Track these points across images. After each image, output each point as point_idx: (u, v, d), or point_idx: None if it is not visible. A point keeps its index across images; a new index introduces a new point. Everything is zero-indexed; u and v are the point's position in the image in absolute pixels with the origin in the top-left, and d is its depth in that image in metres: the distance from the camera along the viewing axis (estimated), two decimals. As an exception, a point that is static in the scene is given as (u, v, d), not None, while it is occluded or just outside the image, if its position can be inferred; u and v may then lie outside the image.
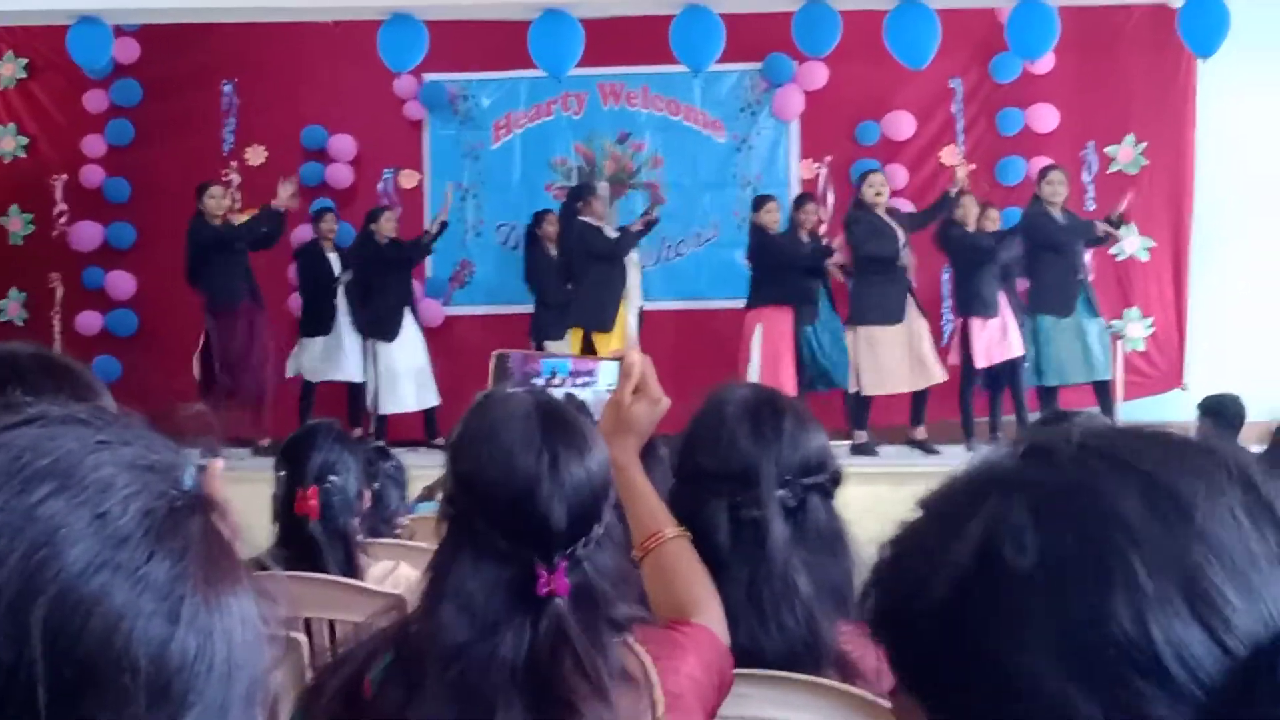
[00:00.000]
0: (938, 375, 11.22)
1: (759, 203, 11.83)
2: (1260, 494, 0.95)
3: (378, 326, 11.94)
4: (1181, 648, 0.89)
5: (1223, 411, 7.62)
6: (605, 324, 11.56)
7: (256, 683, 0.98)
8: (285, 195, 11.66)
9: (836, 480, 2.75)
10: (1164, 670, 0.89)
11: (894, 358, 11.13)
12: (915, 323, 11.23)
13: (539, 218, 12.44)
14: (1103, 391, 11.25)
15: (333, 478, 4.14)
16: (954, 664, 0.97)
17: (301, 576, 3.87)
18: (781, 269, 11.38)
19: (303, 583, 3.85)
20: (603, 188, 12.52)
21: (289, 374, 12.13)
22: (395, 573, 4.25)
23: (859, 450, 10.98)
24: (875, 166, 12.69)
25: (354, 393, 12.15)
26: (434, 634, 2.17)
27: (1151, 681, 0.89)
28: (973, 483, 1.02)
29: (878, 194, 11.17)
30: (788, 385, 10.68)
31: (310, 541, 4.08)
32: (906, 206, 12.36)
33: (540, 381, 2.61)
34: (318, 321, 12.10)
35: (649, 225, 11.93)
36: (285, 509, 4.13)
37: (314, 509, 4.09)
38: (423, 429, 12.00)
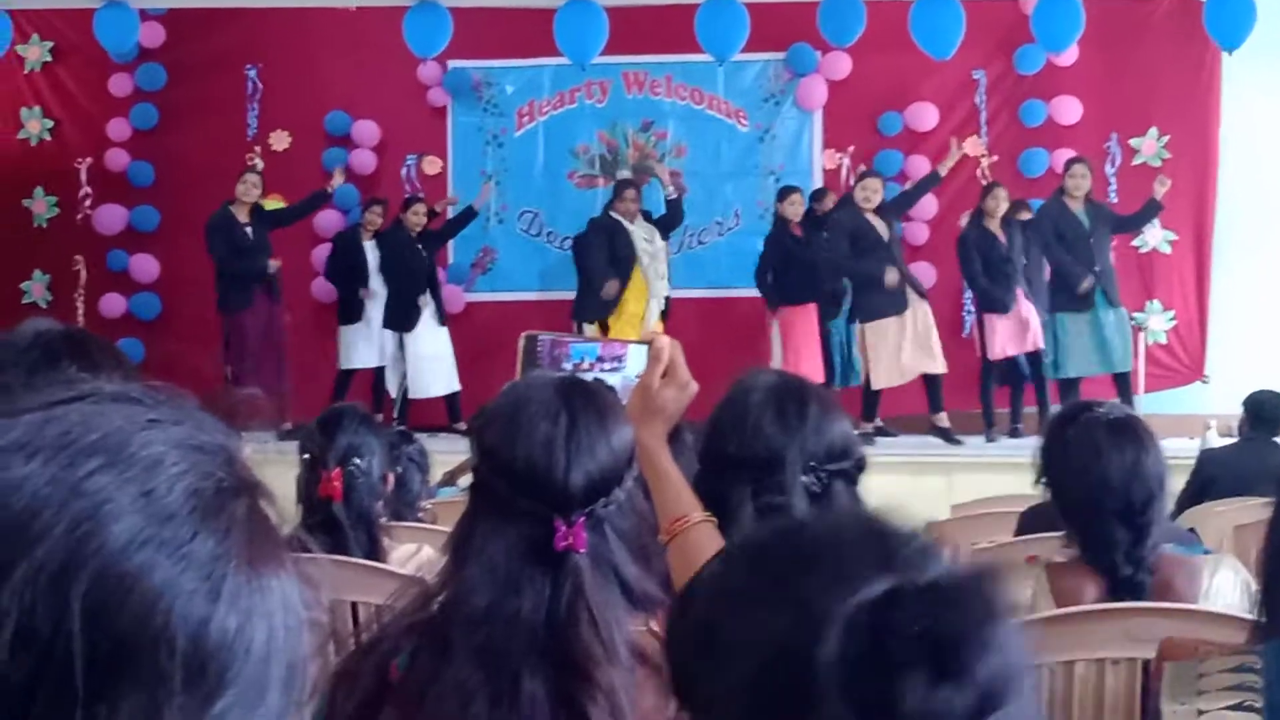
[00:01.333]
0: (939, 364, 11.20)
1: (783, 194, 11.87)
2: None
3: (396, 317, 11.99)
4: None
5: (1258, 409, 7.62)
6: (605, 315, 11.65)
7: (295, 667, 0.98)
8: (339, 180, 12.07)
9: (861, 466, 2.77)
10: None
11: (899, 349, 11.14)
12: (918, 309, 11.23)
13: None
14: (1123, 383, 11.23)
15: (356, 460, 4.16)
16: None
17: (324, 558, 3.89)
18: (793, 265, 11.49)
19: (325, 564, 3.86)
20: (629, 194, 12.38)
21: (341, 365, 12.21)
22: (418, 556, 4.26)
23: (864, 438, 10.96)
24: (897, 159, 12.74)
25: (377, 378, 12.20)
26: (458, 598, 2.20)
27: None
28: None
29: (866, 199, 11.18)
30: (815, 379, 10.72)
31: (334, 523, 4.10)
32: (930, 201, 12.37)
33: (569, 367, 2.63)
34: (350, 309, 12.17)
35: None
36: (309, 490, 4.15)
37: (337, 490, 4.10)
38: (444, 415, 12.03)
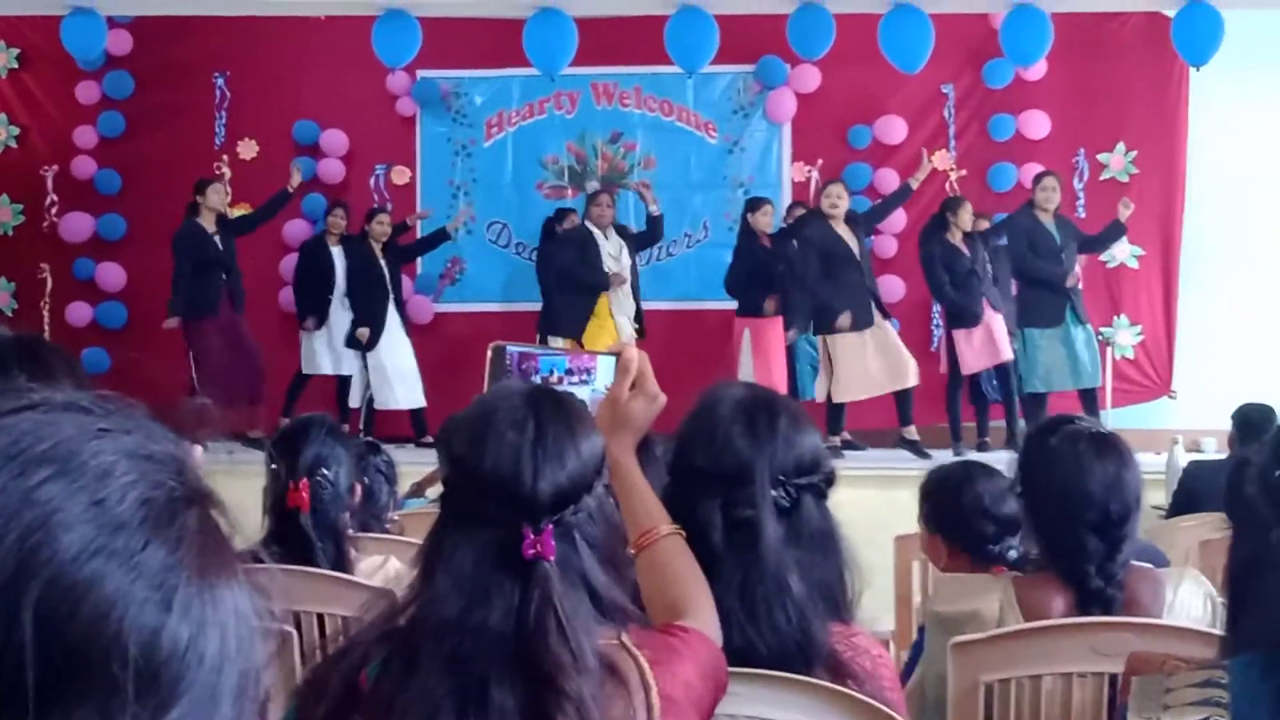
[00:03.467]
0: (912, 378, 11.22)
1: (754, 204, 11.89)
2: None
3: (355, 333, 12.06)
4: None
5: (1245, 423, 7.67)
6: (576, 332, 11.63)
7: (248, 676, 0.99)
8: (297, 179, 12.13)
9: (830, 480, 2.77)
10: None
11: (864, 362, 11.15)
12: (882, 326, 11.25)
13: (560, 214, 12.48)
14: (1089, 399, 11.27)
15: (324, 471, 4.14)
16: None
17: (291, 570, 3.88)
18: (759, 276, 11.54)
19: (292, 576, 3.85)
20: (604, 199, 12.39)
21: (303, 369, 12.20)
22: (385, 567, 4.26)
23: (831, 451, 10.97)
24: (865, 172, 12.78)
25: (342, 387, 12.18)
26: (427, 609, 2.20)
27: None
28: None
29: (833, 205, 11.18)
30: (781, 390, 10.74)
31: (301, 535, 4.08)
32: (899, 215, 12.39)
33: (538, 380, 2.62)
34: (314, 315, 12.14)
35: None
36: (277, 501, 4.13)
37: (305, 502, 4.08)
38: (409, 427, 12.00)
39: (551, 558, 2.16)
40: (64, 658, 0.87)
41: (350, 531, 4.30)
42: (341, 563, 4.14)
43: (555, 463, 2.20)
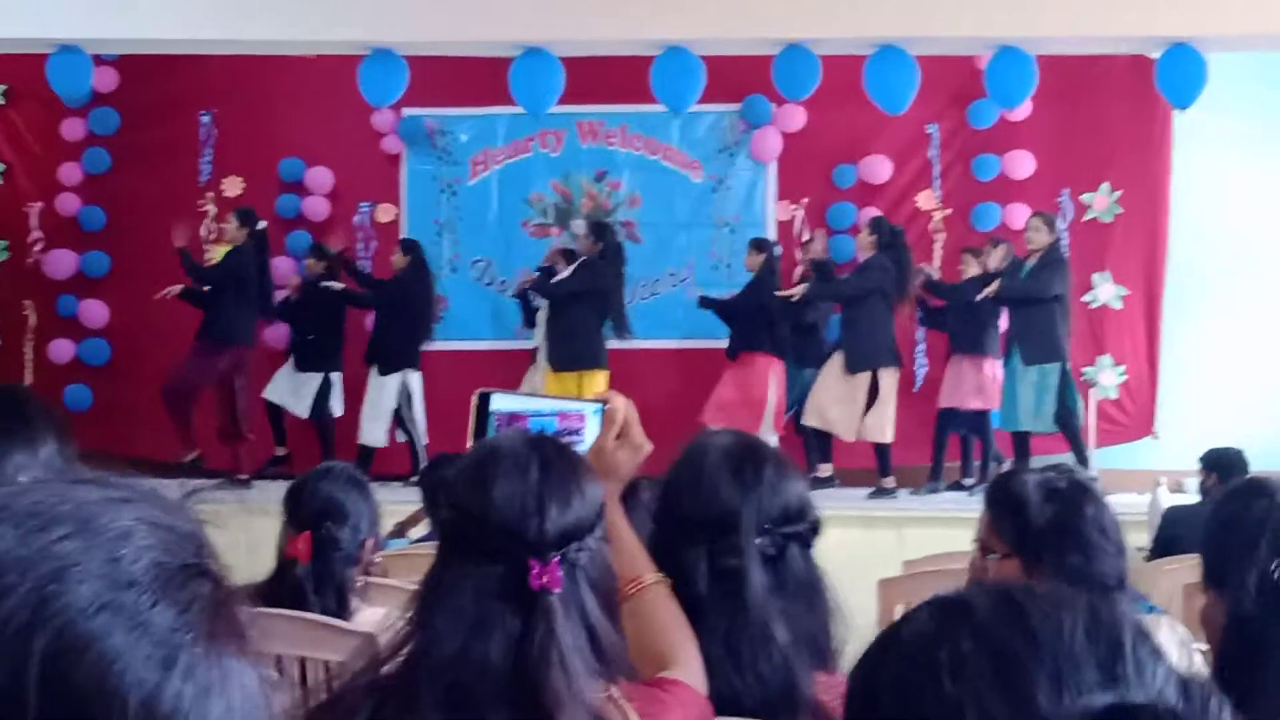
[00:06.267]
0: (883, 434, 11.31)
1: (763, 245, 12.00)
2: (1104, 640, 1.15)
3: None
4: None
5: (1229, 466, 7.75)
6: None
7: None
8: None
9: (816, 529, 2.76)
10: None
11: (836, 399, 11.25)
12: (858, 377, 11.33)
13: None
14: (1075, 439, 11.26)
15: (330, 524, 4.11)
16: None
17: (273, 614, 3.85)
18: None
19: (273, 619, 3.82)
20: (577, 225, 12.47)
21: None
22: (388, 619, 4.21)
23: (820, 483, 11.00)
24: (850, 211, 12.83)
25: (322, 429, 12.25)
26: (425, 647, 2.21)
27: None
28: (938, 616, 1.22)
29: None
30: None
31: (297, 584, 4.05)
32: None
33: None
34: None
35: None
36: (279, 549, 4.11)
37: (303, 554, 4.05)
38: (395, 464, 11.97)
39: (558, 589, 2.18)
40: (66, 706, 0.89)
41: (359, 584, 4.24)
42: (341, 614, 4.08)
43: (562, 502, 2.23)
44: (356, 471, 4.47)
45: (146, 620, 0.94)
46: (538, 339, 12.19)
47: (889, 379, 11.30)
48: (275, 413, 12.28)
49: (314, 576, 4.07)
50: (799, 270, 12.31)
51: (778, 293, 11.63)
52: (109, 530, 0.97)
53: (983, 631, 1.16)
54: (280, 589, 4.03)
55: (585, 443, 2.62)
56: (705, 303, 12.07)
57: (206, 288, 11.71)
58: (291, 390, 12.23)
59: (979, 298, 11.18)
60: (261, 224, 11.99)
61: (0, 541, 0.94)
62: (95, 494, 1.00)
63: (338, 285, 12.26)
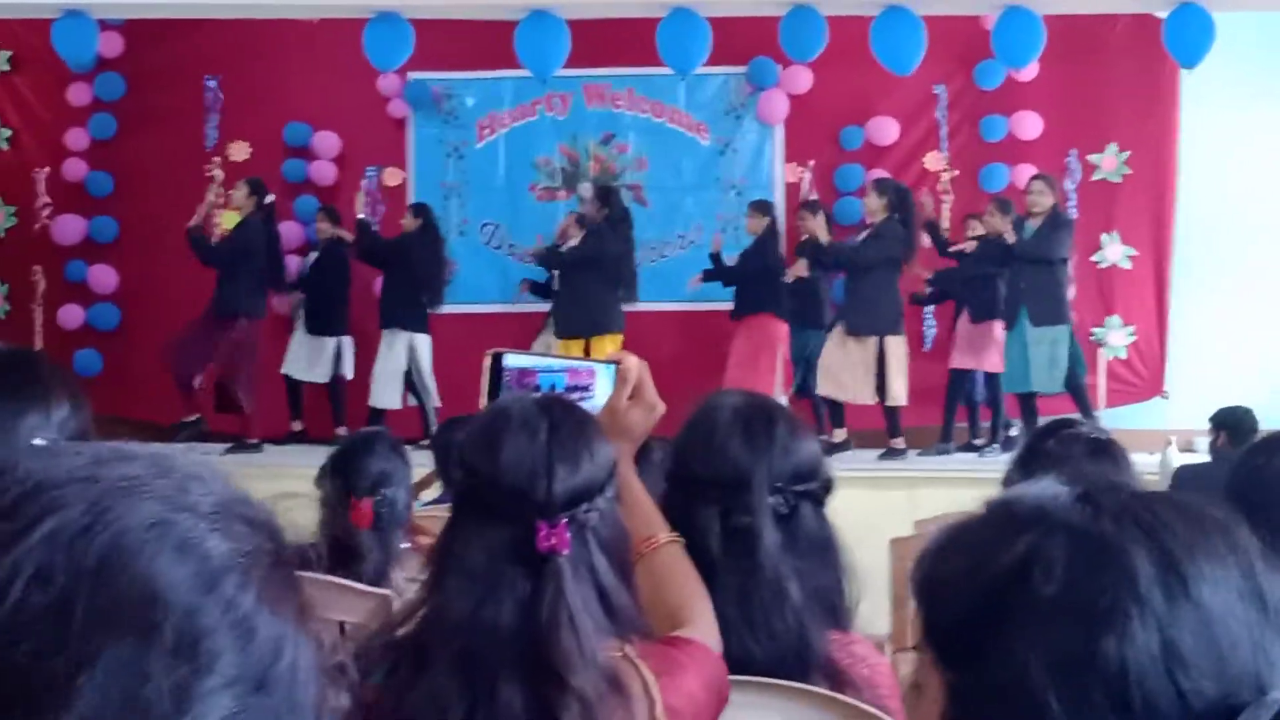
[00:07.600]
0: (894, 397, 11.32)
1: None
2: (1256, 582, 1.16)
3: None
4: (1150, 695, 1.10)
5: (1238, 425, 7.75)
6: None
7: (300, 707, 1.00)
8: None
9: (828, 488, 2.77)
10: (1130, 708, 1.10)
11: (846, 365, 11.24)
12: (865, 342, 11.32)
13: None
14: (1081, 399, 11.26)
15: (385, 490, 4.16)
16: (970, 650, 1.18)
17: (329, 580, 3.86)
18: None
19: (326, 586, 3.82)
20: (584, 189, 12.49)
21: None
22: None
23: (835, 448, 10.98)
24: (858, 173, 12.80)
25: (334, 391, 12.27)
26: (438, 610, 2.23)
27: (1118, 714, 1.10)
28: (1023, 510, 1.21)
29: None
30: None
31: (354, 551, 4.08)
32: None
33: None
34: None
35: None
36: (334, 517, 4.13)
37: (366, 518, 4.09)
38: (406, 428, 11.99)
39: (566, 551, 2.19)
40: (110, 612, 0.91)
41: (404, 546, 4.29)
42: (382, 581, 4.12)
43: (570, 463, 2.24)
44: (396, 438, 4.52)
45: (198, 543, 0.96)
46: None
47: (898, 349, 11.26)
48: (294, 386, 12.32)
49: (374, 542, 4.12)
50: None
51: (784, 278, 11.64)
52: (182, 469, 1.01)
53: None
54: (334, 555, 4.05)
55: (595, 399, 2.62)
56: (709, 275, 12.06)
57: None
58: (307, 361, 12.24)
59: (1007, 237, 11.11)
60: (270, 197, 11.96)
61: (76, 460, 0.98)
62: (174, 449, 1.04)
63: (349, 237, 12.28)
